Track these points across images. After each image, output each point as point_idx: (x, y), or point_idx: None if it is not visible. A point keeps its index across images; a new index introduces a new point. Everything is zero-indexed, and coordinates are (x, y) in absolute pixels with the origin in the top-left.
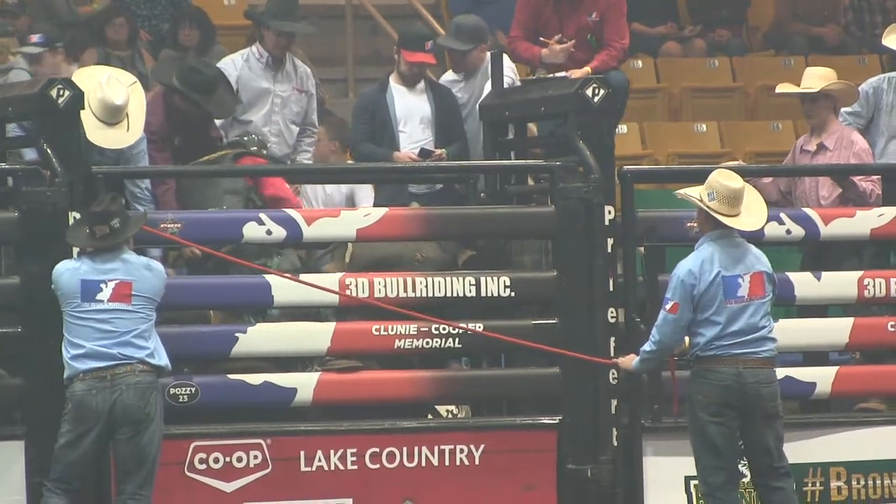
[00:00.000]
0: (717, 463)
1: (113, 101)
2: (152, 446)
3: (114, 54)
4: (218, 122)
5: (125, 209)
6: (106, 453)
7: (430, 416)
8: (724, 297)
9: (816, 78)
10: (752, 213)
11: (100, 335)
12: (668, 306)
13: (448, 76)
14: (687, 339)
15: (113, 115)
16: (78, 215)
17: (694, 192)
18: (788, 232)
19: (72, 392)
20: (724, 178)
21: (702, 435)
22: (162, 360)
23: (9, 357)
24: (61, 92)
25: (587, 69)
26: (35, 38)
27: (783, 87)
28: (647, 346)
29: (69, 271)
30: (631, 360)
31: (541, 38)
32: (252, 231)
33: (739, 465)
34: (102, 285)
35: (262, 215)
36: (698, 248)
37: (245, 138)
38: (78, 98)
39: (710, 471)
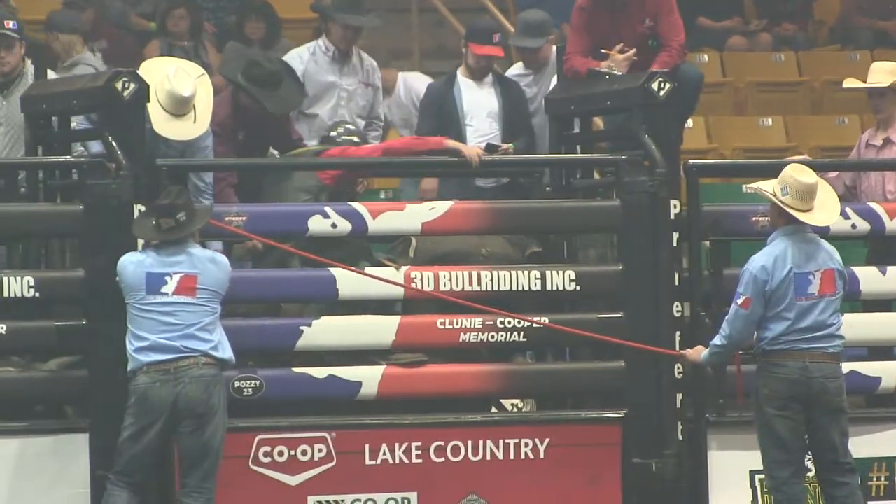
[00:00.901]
0: (784, 457)
1: (181, 92)
2: (216, 439)
3: (177, 45)
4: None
5: (192, 202)
6: (169, 447)
7: (494, 410)
8: (795, 294)
9: (884, 73)
10: (825, 209)
11: (164, 328)
12: (739, 301)
13: (515, 70)
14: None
15: (180, 107)
16: (143, 208)
17: (766, 186)
18: (854, 226)
19: (135, 385)
20: (797, 172)
21: (768, 429)
22: (226, 353)
23: (73, 350)
24: (126, 85)
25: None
26: (10, 24)
27: (850, 83)
28: (716, 340)
29: (134, 263)
30: (699, 353)
31: (602, 50)
32: (317, 224)
33: (805, 460)
34: (167, 278)
35: (327, 208)
36: (770, 242)
37: (337, 130)
38: (143, 91)
39: (777, 465)
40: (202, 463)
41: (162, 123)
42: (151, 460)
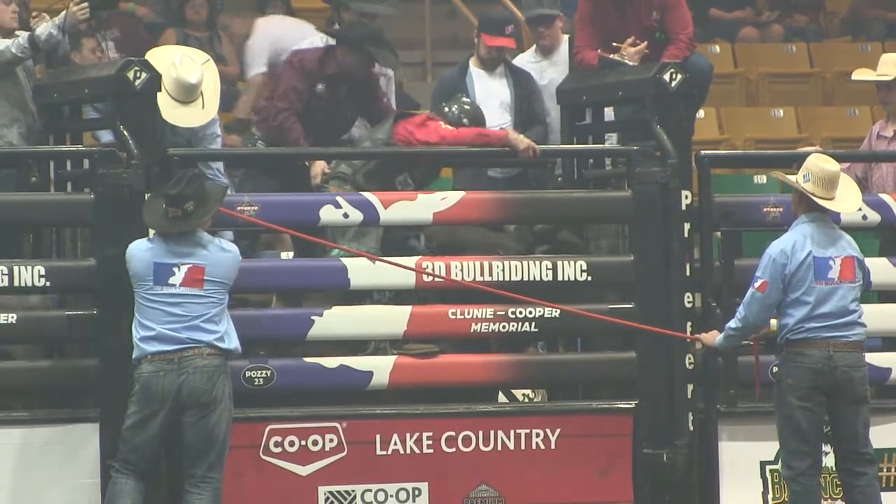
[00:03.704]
0: (803, 448)
1: (187, 79)
2: (220, 429)
3: (192, 35)
4: None
5: (203, 188)
6: (176, 436)
7: (504, 400)
8: (815, 278)
9: (892, 64)
10: (847, 198)
11: (170, 319)
12: (756, 284)
13: (526, 57)
14: (774, 322)
15: (188, 94)
16: (168, 189)
17: (790, 176)
18: (865, 217)
19: (139, 373)
20: (820, 160)
21: (789, 419)
22: (232, 343)
23: (84, 339)
24: (138, 74)
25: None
26: None
27: (859, 74)
28: (732, 323)
29: (142, 251)
30: (714, 337)
31: (613, 44)
32: (329, 214)
33: (823, 452)
34: (175, 269)
35: (339, 198)
36: (792, 228)
37: (451, 107)
38: (155, 80)
39: (795, 455)
40: (208, 453)
41: (170, 111)
42: (156, 449)
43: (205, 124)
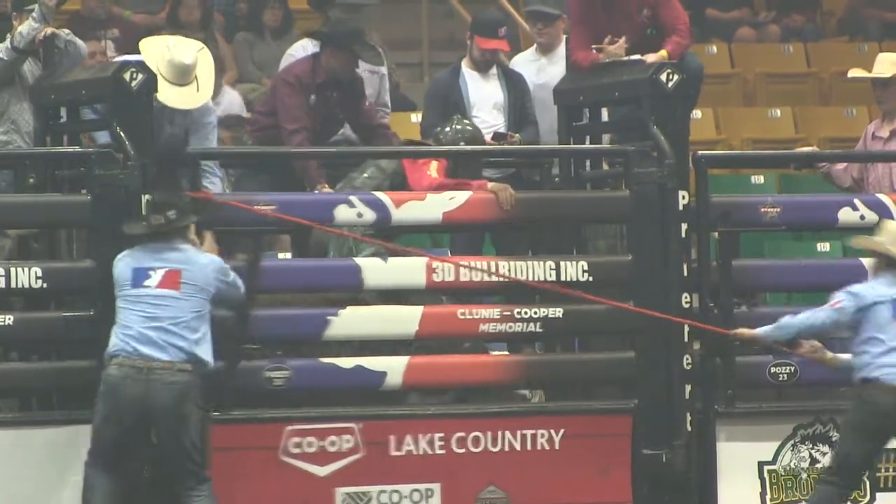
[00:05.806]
0: (849, 471)
1: (182, 60)
2: (193, 439)
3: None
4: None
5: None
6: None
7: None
8: (892, 317)
9: (888, 63)
10: None
11: (144, 319)
12: (833, 301)
13: (526, 56)
14: (831, 355)
15: (183, 76)
16: (150, 198)
17: (873, 241)
18: (862, 217)
19: (106, 374)
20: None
21: (848, 444)
22: (206, 354)
23: (82, 340)
24: (134, 75)
25: (663, 53)
26: None
27: (855, 72)
28: (789, 317)
29: (124, 257)
30: (752, 331)
31: (593, 47)
32: (343, 213)
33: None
34: (152, 272)
35: (353, 197)
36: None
37: (448, 128)
38: (151, 81)
39: (845, 469)
40: (187, 461)
41: (164, 91)
42: (125, 449)
43: (201, 113)
